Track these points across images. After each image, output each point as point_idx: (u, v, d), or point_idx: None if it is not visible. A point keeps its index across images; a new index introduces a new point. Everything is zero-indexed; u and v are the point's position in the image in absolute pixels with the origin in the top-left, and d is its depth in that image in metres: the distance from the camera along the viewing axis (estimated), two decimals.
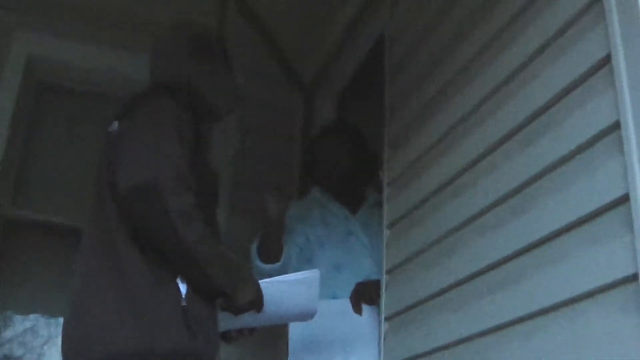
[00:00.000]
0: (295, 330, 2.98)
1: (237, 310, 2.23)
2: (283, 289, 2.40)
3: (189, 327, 2.05)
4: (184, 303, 2.07)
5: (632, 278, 1.51)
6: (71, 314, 2.19)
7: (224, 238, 3.50)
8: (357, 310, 2.94)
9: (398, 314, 2.58)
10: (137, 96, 2.37)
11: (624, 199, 1.56)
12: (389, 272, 2.72)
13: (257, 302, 2.24)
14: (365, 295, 2.94)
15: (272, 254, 3.02)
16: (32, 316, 3.84)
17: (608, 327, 1.56)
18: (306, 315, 2.51)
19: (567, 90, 1.83)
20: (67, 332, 2.19)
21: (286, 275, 2.52)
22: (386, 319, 2.66)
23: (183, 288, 2.10)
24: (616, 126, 1.61)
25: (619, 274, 1.55)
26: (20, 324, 3.85)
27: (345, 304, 2.96)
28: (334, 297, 3.01)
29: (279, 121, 4.41)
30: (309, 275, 2.48)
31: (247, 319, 2.31)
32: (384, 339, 2.65)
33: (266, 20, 4.06)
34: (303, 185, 3.84)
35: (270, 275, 2.58)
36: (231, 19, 3.78)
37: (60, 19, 4.07)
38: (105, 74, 4.13)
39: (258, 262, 3.02)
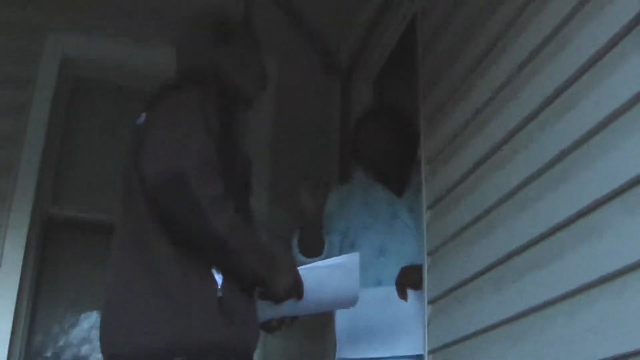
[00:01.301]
0: (341, 319, 2.95)
1: (277, 298, 2.20)
2: (322, 274, 2.35)
3: (226, 317, 2.02)
4: (219, 294, 2.04)
5: None
6: (106, 310, 2.18)
7: (265, 229, 3.52)
8: (403, 296, 2.89)
9: (441, 297, 2.52)
10: (163, 87, 2.34)
11: None
12: (430, 254, 2.66)
13: (296, 288, 2.21)
14: (410, 280, 2.88)
15: (313, 248, 2.98)
16: (94, 313, 3.84)
17: None
18: (348, 301, 2.45)
19: (599, 55, 1.75)
20: (103, 328, 2.17)
21: (325, 260, 2.45)
22: (429, 302, 2.60)
23: (219, 278, 2.07)
24: None
25: None
26: (86, 321, 3.87)
27: (390, 290, 2.91)
28: (379, 282, 2.97)
29: (315, 108, 4.36)
30: (349, 259, 2.43)
31: (288, 308, 2.26)
32: (428, 323, 2.59)
33: (298, 4, 4.00)
34: (347, 170, 3.77)
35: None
36: (263, 4, 3.72)
37: (92, 16, 4.09)
38: (139, 69, 4.12)
39: (299, 256, 2.99)
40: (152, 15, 4.03)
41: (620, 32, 1.68)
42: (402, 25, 3.74)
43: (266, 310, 2.25)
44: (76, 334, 3.84)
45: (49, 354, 3.81)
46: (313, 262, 2.82)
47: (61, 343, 3.84)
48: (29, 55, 3.98)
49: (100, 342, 2.17)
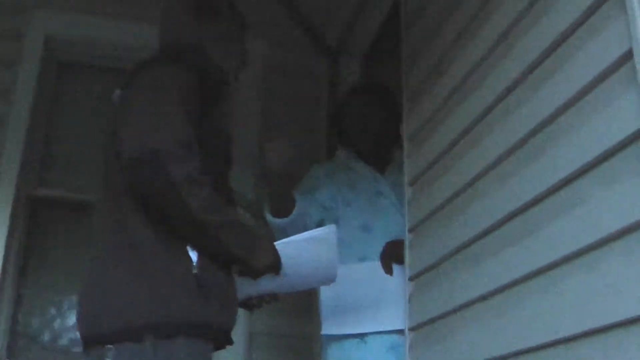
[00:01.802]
0: (326, 295, 2.92)
1: (255, 275, 2.18)
2: (299, 248, 2.31)
3: (203, 295, 2.01)
4: (195, 271, 2.02)
5: None
6: (84, 288, 2.16)
7: (253, 209, 3.50)
8: (388, 270, 2.87)
9: (422, 273, 2.51)
10: (140, 63, 2.30)
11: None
12: (411, 230, 2.65)
13: (274, 264, 2.19)
14: (394, 254, 2.86)
15: (281, 207, 2.86)
16: None
17: (631, 271, 1.47)
18: (328, 275, 2.42)
19: (572, 29, 1.74)
20: (81, 306, 2.15)
21: (301, 234, 2.42)
22: (410, 279, 2.59)
23: (194, 256, 2.05)
24: (629, 55, 1.50)
25: None
26: None
27: (375, 265, 2.89)
28: (363, 258, 2.95)
29: (303, 86, 4.32)
30: (326, 232, 2.41)
31: (267, 284, 2.25)
32: (409, 300, 2.58)
33: None
34: (330, 147, 3.75)
35: (281, 230, 2.47)
36: None
37: None
38: (126, 48, 4.07)
39: (268, 216, 2.90)
40: None
41: (590, 6, 1.66)
42: (389, 3, 3.71)
43: (244, 288, 2.23)
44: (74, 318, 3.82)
45: (45, 338, 3.80)
46: (281, 222, 2.81)
47: (56, 326, 3.83)
48: (12, 35, 3.94)
49: (78, 322, 2.15)
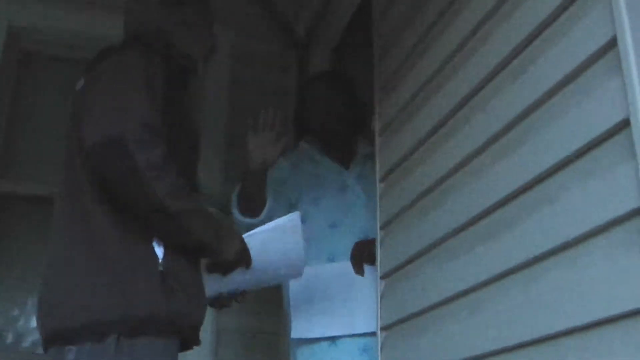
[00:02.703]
0: (295, 297, 2.86)
1: (225, 268, 2.15)
2: (265, 238, 2.28)
3: (168, 291, 1.96)
4: (161, 267, 1.98)
5: (637, 211, 1.37)
6: (44, 283, 2.10)
7: (219, 200, 3.43)
8: (359, 271, 2.81)
9: (394, 271, 2.45)
10: (104, 50, 2.26)
11: (624, 124, 1.41)
12: (383, 227, 2.59)
13: (244, 256, 2.17)
14: (365, 254, 2.80)
15: (252, 205, 2.79)
16: None
17: (613, 267, 1.42)
18: (296, 264, 2.39)
19: (550, 20, 1.69)
20: (41, 300, 2.09)
21: (264, 225, 2.36)
22: (382, 277, 2.53)
23: (160, 251, 2.00)
24: (613, 43, 1.45)
25: (623, 209, 1.40)
26: None
27: (346, 266, 2.83)
28: (332, 257, 2.89)
29: (272, 77, 4.27)
30: (289, 219, 2.37)
31: (235, 279, 2.20)
32: (381, 298, 2.52)
33: None
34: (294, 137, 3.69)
35: (248, 228, 2.39)
36: None
37: None
38: (90, 38, 3.96)
39: (237, 213, 2.82)
40: None
41: None
42: None
43: (212, 285, 2.18)
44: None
45: (8, 339, 3.70)
46: (250, 222, 2.73)
47: (20, 327, 3.74)
48: None
49: (38, 318, 2.10)
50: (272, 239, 2.30)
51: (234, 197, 2.85)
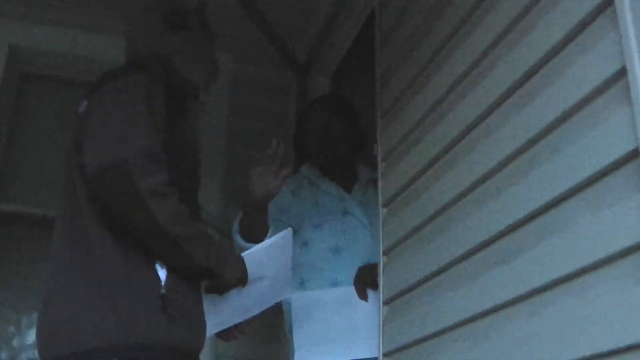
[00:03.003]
0: (298, 322, 2.85)
1: (224, 289, 2.15)
2: (260, 256, 2.30)
3: (168, 316, 1.95)
4: (163, 291, 1.97)
5: None
6: (44, 306, 2.08)
7: (219, 225, 3.42)
8: (362, 296, 2.80)
9: (397, 297, 2.44)
10: (106, 73, 2.25)
11: (633, 154, 1.40)
12: (386, 253, 2.58)
13: (243, 277, 2.18)
14: (369, 279, 2.78)
15: (256, 232, 2.75)
16: None
17: (619, 299, 1.40)
18: (285, 282, 2.40)
19: (559, 47, 1.68)
20: (39, 325, 2.08)
21: (260, 243, 2.37)
22: (385, 303, 2.52)
23: (163, 274, 2.00)
24: (622, 73, 1.44)
25: (631, 240, 1.39)
26: None
27: (349, 290, 2.82)
28: (335, 282, 2.88)
29: (271, 102, 4.30)
30: (282, 236, 2.39)
31: (232, 302, 2.21)
32: (383, 324, 2.51)
33: None
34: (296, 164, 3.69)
35: None
36: None
37: (40, 6, 3.96)
38: (90, 60, 4.00)
39: (239, 239, 2.78)
40: (103, 5, 3.90)
41: (581, 22, 1.61)
42: (360, 19, 3.70)
43: (210, 309, 2.18)
44: (30, 336, 3.71)
45: (2, 356, 3.69)
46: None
47: (15, 344, 3.72)
48: None
49: (37, 343, 2.07)
50: (266, 256, 2.32)
51: (236, 225, 2.84)
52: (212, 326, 2.18)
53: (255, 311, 2.34)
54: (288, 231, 2.40)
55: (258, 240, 2.73)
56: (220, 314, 2.22)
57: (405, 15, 2.68)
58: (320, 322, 2.81)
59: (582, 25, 1.60)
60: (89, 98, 2.18)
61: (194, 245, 2.01)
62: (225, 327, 2.29)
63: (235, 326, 2.33)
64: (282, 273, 2.37)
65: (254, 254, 2.27)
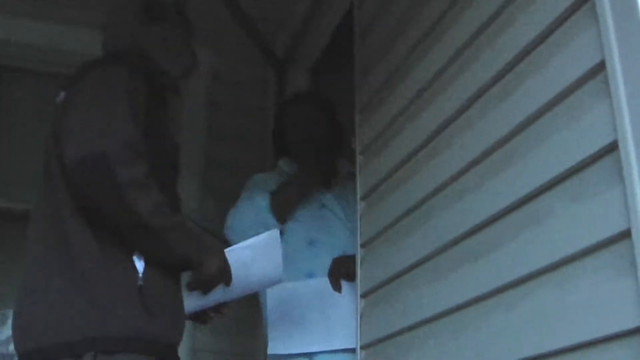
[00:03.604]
0: (272, 314, 2.87)
1: (207, 282, 2.13)
2: (245, 255, 2.29)
3: (147, 308, 1.93)
4: (140, 283, 1.95)
5: (624, 234, 1.36)
6: (20, 299, 2.07)
7: (197, 219, 3.41)
8: (336, 287, 2.82)
9: (374, 289, 2.44)
10: (85, 64, 2.23)
11: (612, 147, 1.41)
12: (364, 245, 2.59)
13: (225, 272, 2.15)
14: (343, 271, 2.81)
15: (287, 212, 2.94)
16: None
17: (599, 290, 1.41)
18: (274, 279, 2.39)
19: (537, 41, 1.69)
20: (16, 318, 2.06)
21: (245, 241, 2.36)
22: (362, 296, 2.53)
23: (140, 266, 1.98)
24: (601, 66, 1.46)
25: (610, 231, 1.40)
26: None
27: (323, 282, 2.84)
28: (310, 274, 2.89)
29: (250, 97, 4.27)
30: (269, 236, 2.37)
31: (215, 295, 2.19)
32: (361, 317, 2.51)
33: None
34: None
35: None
36: None
37: None
38: (68, 53, 3.93)
39: (271, 217, 2.91)
40: None
41: (560, 16, 1.62)
42: (339, 14, 3.68)
43: (192, 302, 2.18)
44: (4, 332, 3.66)
45: None
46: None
47: None
48: None
49: (14, 335, 2.06)
50: (252, 254, 2.30)
51: (265, 200, 2.94)
52: (188, 308, 2.18)
53: (238, 296, 2.34)
54: (274, 231, 2.40)
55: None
56: (199, 301, 2.22)
57: (383, 11, 2.69)
58: (295, 313, 2.82)
59: (562, 19, 1.61)
60: (67, 89, 2.17)
61: (175, 235, 2.00)
62: (200, 309, 2.29)
63: (213, 309, 2.34)
64: (270, 272, 2.36)
65: (237, 251, 2.26)
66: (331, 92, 3.67)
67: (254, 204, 2.94)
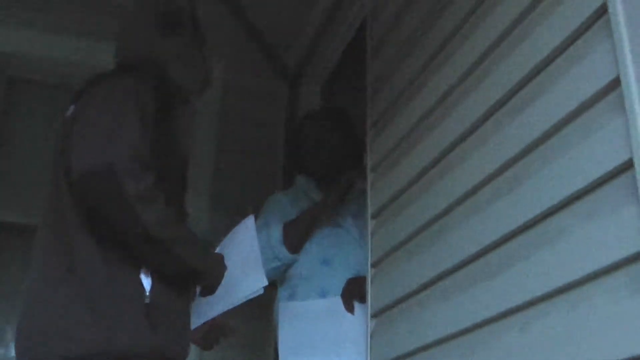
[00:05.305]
0: (285, 331, 2.85)
1: (212, 289, 2.18)
2: (225, 246, 2.35)
3: (152, 324, 1.94)
4: (147, 299, 1.96)
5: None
6: (24, 312, 2.06)
7: (206, 232, 3.40)
8: (349, 308, 2.80)
9: (385, 309, 2.41)
10: (94, 77, 2.23)
11: (628, 164, 1.38)
12: (375, 265, 2.56)
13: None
14: (356, 292, 2.79)
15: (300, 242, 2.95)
16: None
17: (614, 312, 1.38)
18: (255, 269, 2.33)
19: (558, 49, 1.65)
20: (19, 332, 2.05)
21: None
22: (373, 316, 2.49)
23: (147, 282, 1.98)
24: (616, 82, 1.43)
25: (626, 252, 1.36)
26: None
27: (336, 302, 2.82)
28: (324, 293, 2.88)
29: (262, 112, 4.28)
30: (243, 224, 2.41)
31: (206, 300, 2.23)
32: (371, 337, 2.48)
33: (247, 5, 3.89)
34: (288, 174, 3.67)
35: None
36: (209, 4, 3.61)
37: (26, 10, 3.92)
38: (77, 65, 3.95)
39: (283, 249, 2.94)
40: (91, 9, 3.90)
41: (575, 31, 1.59)
42: (351, 29, 3.69)
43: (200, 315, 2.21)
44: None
45: None
46: (292, 258, 2.93)
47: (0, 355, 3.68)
48: None
49: (16, 349, 2.05)
50: (229, 245, 2.34)
51: (278, 231, 2.96)
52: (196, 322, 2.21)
53: (229, 305, 2.30)
54: (249, 218, 2.41)
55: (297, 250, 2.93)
56: (199, 313, 2.23)
57: (397, 25, 2.67)
58: (306, 332, 2.81)
59: (576, 35, 1.59)
60: (76, 102, 2.16)
61: (182, 247, 2.01)
62: (199, 324, 2.29)
63: (215, 332, 2.39)
64: (251, 262, 2.32)
65: (220, 248, 2.31)
66: (344, 105, 3.66)
67: (269, 234, 2.94)
